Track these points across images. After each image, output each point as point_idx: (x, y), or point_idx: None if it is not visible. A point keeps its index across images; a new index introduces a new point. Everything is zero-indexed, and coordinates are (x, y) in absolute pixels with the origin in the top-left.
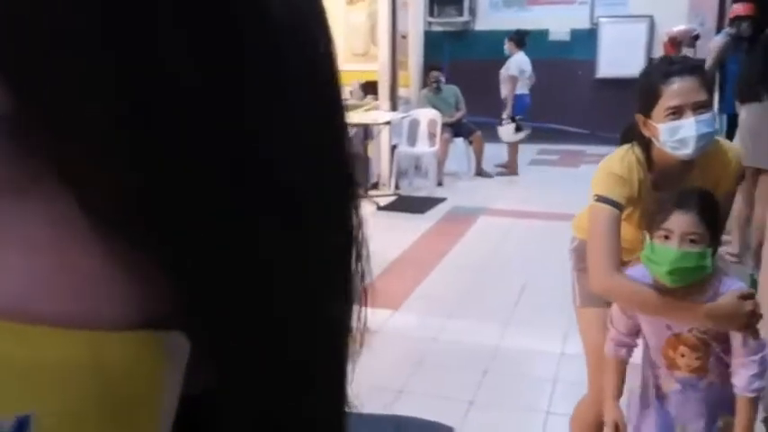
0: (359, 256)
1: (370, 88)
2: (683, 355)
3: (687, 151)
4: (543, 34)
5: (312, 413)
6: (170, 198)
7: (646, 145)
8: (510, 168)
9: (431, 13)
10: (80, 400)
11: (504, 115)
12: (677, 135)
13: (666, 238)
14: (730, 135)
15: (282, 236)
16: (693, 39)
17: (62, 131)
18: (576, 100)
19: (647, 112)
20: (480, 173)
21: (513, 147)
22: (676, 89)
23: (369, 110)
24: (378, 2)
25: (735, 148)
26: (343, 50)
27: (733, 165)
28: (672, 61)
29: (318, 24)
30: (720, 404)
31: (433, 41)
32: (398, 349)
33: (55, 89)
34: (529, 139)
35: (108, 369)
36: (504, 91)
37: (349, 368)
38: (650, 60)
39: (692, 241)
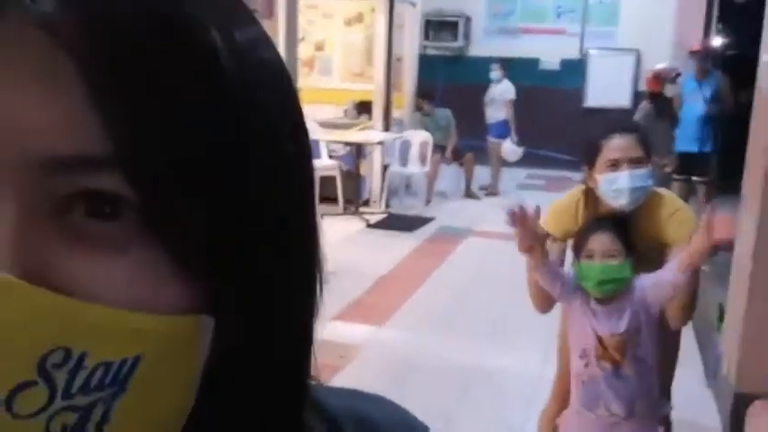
0: (319, 267)
1: (364, 108)
2: (605, 349)
3: (622, 201)
4: (534, 63)
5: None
6: (219, 246)
7: (592, 194)
8: (493, 189)
9: (426, 37)
10: (160, 350)
11: (514, 137)
12: (614, 185)
13: (590, 257)
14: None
15: (275, 257)
16: (675, 77)
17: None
18: (563, 128)
19: (591, 165)
20: (469, 194)
21: (497, 169)
22: (615, 144)
23: (362, 129)
24: (375, 24)
25: (678, 201)
26: (340, 69)
27: (679, 214)
28: (614, 121)
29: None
30: (638, 392)
31: (427, 65)
32: (382, 363)
33: (168, 201)
34: (517, 164)
35: (172, 335)
36: (501, 114)
37: (333, 380)
38: (636, 94)
39: (611, 257)
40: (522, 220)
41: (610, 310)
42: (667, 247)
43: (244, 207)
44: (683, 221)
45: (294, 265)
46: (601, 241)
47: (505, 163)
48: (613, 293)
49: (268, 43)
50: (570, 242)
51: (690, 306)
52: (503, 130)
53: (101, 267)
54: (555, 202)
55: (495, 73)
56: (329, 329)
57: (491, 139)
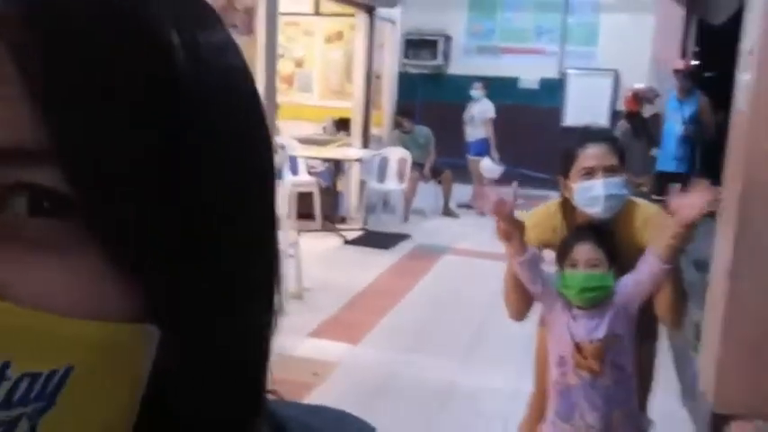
0: (277, 277)
1: (343, 125)
2: (585, 358)
3: (597, 209)
4: (513, 82)
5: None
6: (164, 252)
7: (569, 204)
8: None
9: (406, 56)
10: (96, 361)
11: (495, 154)
12: (589, 193)
13: (573, 266)
14: None
15: (224, 265)
16: (654, 96)
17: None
18: (542, 146)
19: (566, 174)
20: (447, 212)
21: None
22: (590, 153)
23: (341, 146)
24: (355, 41)
25: (652, 206)
26: (319, 86)
27: (653, 219)
28: (589, 131)
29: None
30: (615, 401)
31: (407, 83)
32: (357, 381)
33: (109, 201)
34: (496, 182)
35: (109, 345)
36: (480, 132)
37: (307, 397)
38: (614, 114)
39: (593, 266)
40: (500, 206)
41: (590, 314)
42: None
43: (191, 212)
44: (657, 225)
45: (245, 273)
46: (584, 250)
47: (486, 181)
48: (595, 301)
49: (233, 49)
50: (546, 252)
51: (679, 301)
52: (482, 148)
53: (36, 269)
54: (532, 212)
55: (477, 92)
56: (304, 346)
57: (471, 157)
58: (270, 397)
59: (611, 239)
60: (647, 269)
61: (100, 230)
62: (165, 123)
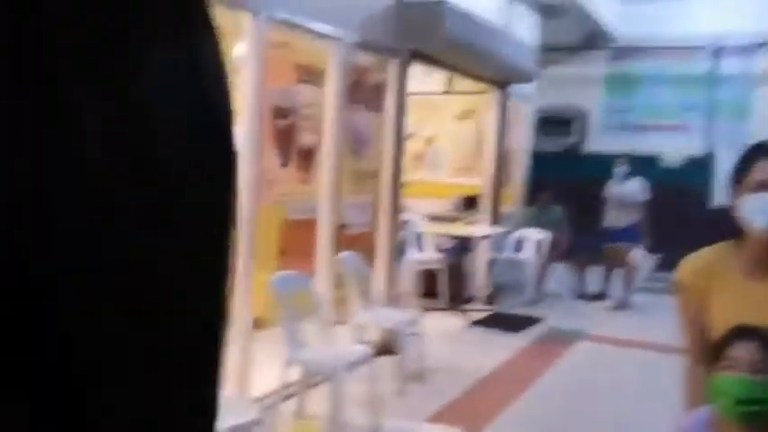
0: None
1: (471, 202)
2: None
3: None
4: (654, 160)
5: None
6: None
7: (738, 231)
8: (624, 303)
9: (539, 133)
10: None
11: (646, 242)
12: (759, 203)
13: (730, 368)
14: None
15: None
16: None
17: None
18: (687, 229)
19: (736, 189)
20: (582, 295)
21: (631, 280)
22: (761, 166)
23: (469, 223)
24: (486, 119)
25: None
26: (449, 163)
27: None
28: (762, 144)
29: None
30: None
31: (539, 160)
32: None
33: None
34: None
35: None
36: (632, 216)
37: None
38: None
39: (757, 371)
40: None
41: None
42: None
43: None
44: None
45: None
46: (745, 349)
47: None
48: (756, 419)
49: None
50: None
51: None
52: (632, 235)
53: None
54: (696, 254)
55: (621, 169)
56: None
57: (619, 245)
58: None
59: None
60: None
61: None
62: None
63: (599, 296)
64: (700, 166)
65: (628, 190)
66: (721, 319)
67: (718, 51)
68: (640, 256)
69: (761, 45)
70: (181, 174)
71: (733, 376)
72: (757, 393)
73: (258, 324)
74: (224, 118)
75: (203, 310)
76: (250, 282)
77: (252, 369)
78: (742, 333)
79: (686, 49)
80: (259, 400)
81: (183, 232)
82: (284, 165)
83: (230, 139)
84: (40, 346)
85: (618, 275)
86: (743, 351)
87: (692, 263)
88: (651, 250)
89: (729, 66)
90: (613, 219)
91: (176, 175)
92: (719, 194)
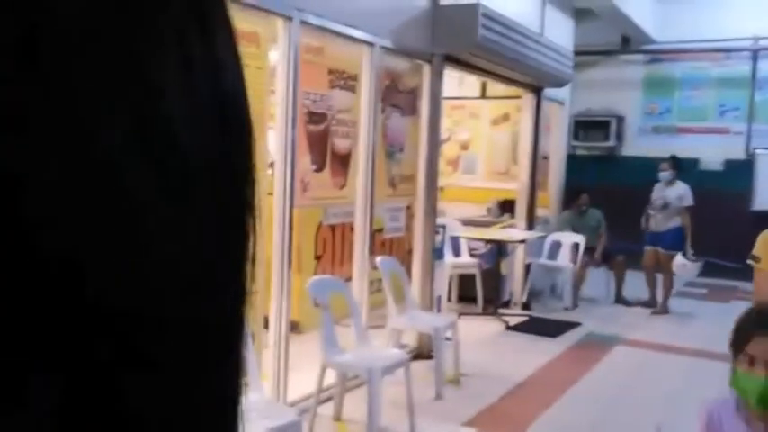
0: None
1: (507, 207)
2: None
3: None
4: (693, 163)
5: None
6: None
7: None
8: (662, 309)
9: (575, 137)
10: None
11: (689, 249)
12: None
13: (751, 364)
14: None
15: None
16: None
17: None
18: (728, 233)
19: None
20: (620, 300)
21: (669, 286)
22: None
23: (504, 227)
24: (521, 123)
25: None
26: (484, 168)
27: None
28: None
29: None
30: None
31: (576, 164)
32: None
33: None
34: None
35: None
36: (676, 221)
37: None
38: None
39: None
40: None
41: None
42: None
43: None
44: None
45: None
46: (763, 347)
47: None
48: None
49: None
50: None
51: None
52: (676, 241)
53: None
54: None
55: (665, 173)
56: None
57: (660, 250)
58: None
59: None
60: None
61: None
62: None
63: (646, 303)
64: (740, 169)
65: (673, 195)
66: None
67: (756, 53)
68: (682, 263)
69: None
70: (205, 169)
71: (751, 376)
72: None
73: (295, 328)
74: (242, 112)
75: (230, 292)
76: (287, 286)
77: (289, 373)
78: (760, 323)
79: (725, 51)
80: (296, 403)
81: (208, 214)
82: (319, 169)
83: (249, 134)
84: (73, 321)
85: (658, 280)
86: (760, 350)
87: None
88: (693, 256)
89: None
90: (656, 223)
91: (201, 172)
92: (760, 198)
